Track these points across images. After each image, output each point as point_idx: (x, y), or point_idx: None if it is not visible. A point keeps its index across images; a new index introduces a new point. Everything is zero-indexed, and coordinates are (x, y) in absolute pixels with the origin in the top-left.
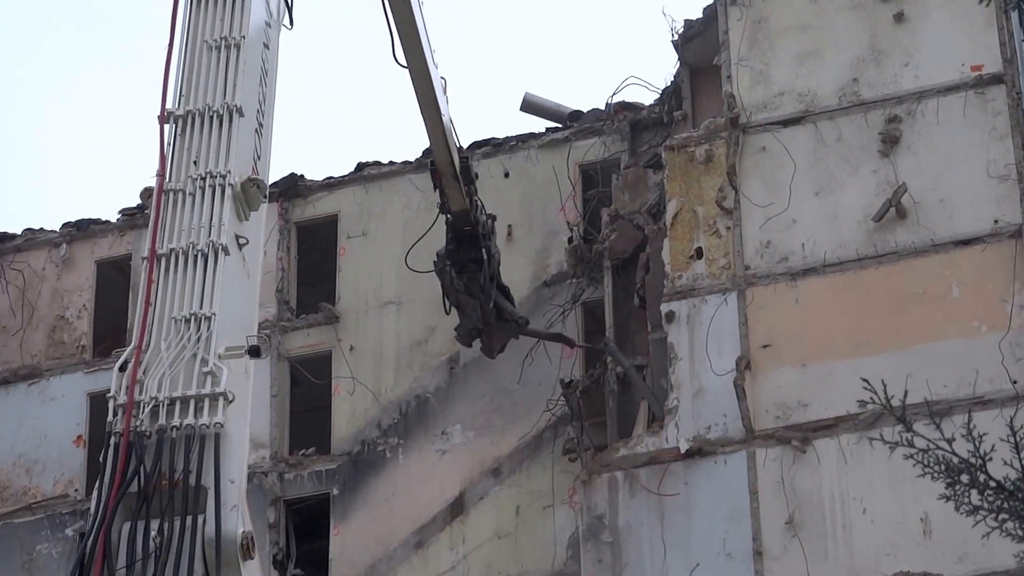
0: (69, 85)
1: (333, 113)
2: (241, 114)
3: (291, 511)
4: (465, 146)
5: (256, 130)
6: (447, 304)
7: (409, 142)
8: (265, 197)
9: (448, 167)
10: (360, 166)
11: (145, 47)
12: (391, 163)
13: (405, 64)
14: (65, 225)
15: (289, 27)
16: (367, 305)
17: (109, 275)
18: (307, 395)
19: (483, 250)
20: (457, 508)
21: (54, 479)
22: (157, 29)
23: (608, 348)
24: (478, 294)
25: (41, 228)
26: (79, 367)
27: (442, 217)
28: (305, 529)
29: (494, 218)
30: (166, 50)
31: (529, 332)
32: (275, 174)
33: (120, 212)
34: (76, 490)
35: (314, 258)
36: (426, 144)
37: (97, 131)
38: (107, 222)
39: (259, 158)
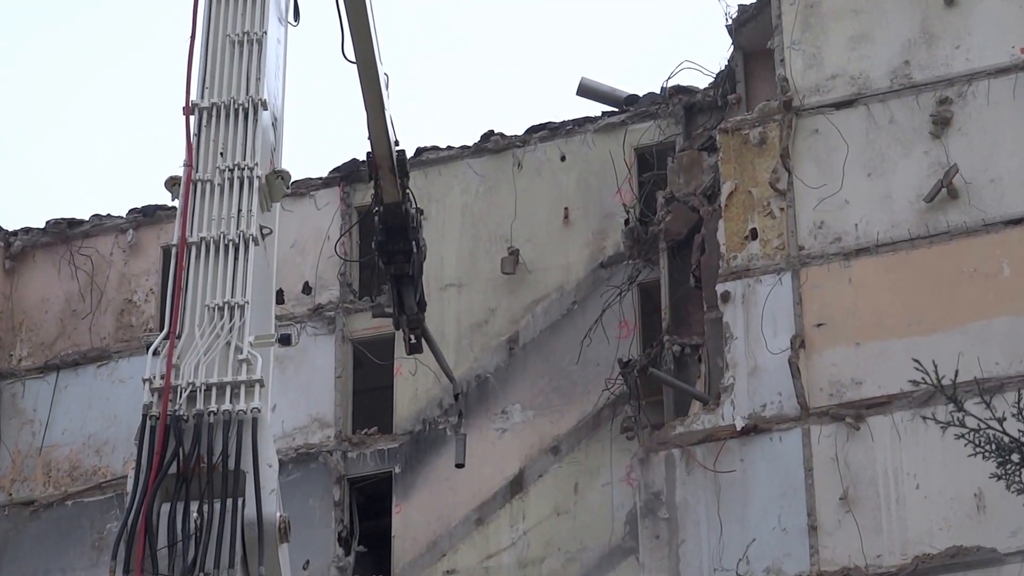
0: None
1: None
2: (265, 108)
3: (355, 489)
4: (522, 131)
5: (272, 124)
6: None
7: (466, 127)
8: (288, 188)
9: (386, 159)
10: (419, 151)
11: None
12: (449, 148)
13: (354, 60)
14: (131, 211)
15: (295, 23)
16: (428, 287)
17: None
18: (370, 376)
19: (412, 242)
20: (517, 486)
21: (123, 459)
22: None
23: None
24: (405, 287)
25: (108, 214)
26: (145, 349)
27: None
28: (368, 507)
29: (422, 212)
30: (188, 43)
31: (430, 342)
32: (336, 159)
33: None
34: None
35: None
36: (485, 128)
37: (162, 117)
38: (172, 208)
39: (274, 151)
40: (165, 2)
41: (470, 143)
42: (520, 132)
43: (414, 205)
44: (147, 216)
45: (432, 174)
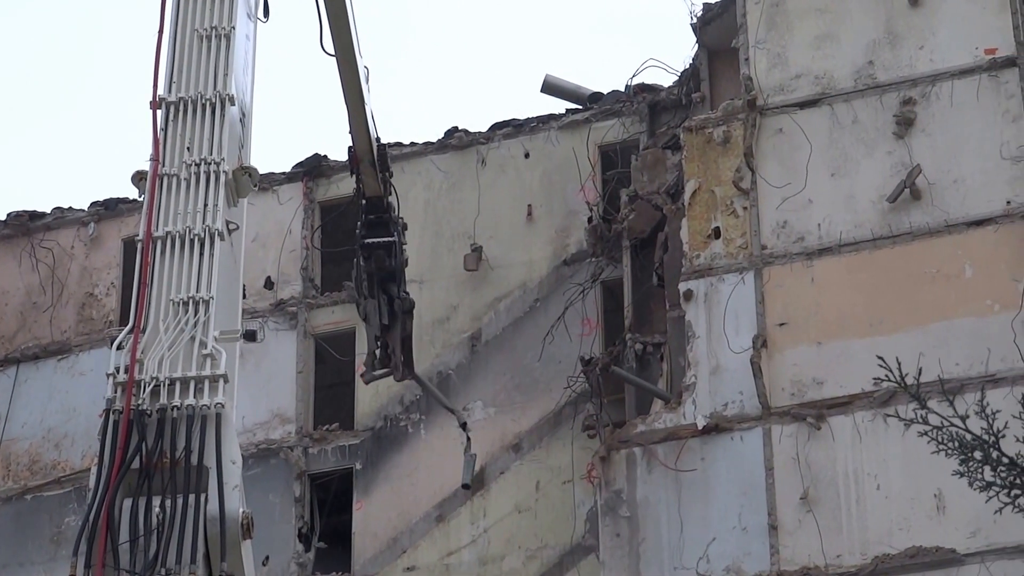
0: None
1: None
2: (232, 103)
3: (315, 485)
4: (486, 128)
5: (240, 119)
6: (359, 305)
7: (429, 123)
8: (255, 185)
9: (367, 153)
10: (382, 147)
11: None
12: (413, 144)
13: (332, 53)
14: (93, 204)
15: (264, 19)
16: None
17: (136, 253)
18: (331, 371)
19: (394, 234)
20: (478, 483)
21: (82, 453)
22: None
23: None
24: (385, 284)
25: (70, 207)
26: (106, 343)
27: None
28: (329, 503)
29: (405, 225)
30: (156, 37)
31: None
32: (299, 154)
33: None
34: None
35: (338, 237)
36: (449, 125)
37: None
38: (134, 201)
39: (242, 147)
40: None
41: (434, 139)
42: (484, 129)
43: (397, 209)
44: (109, 209)
45: (395, 170)
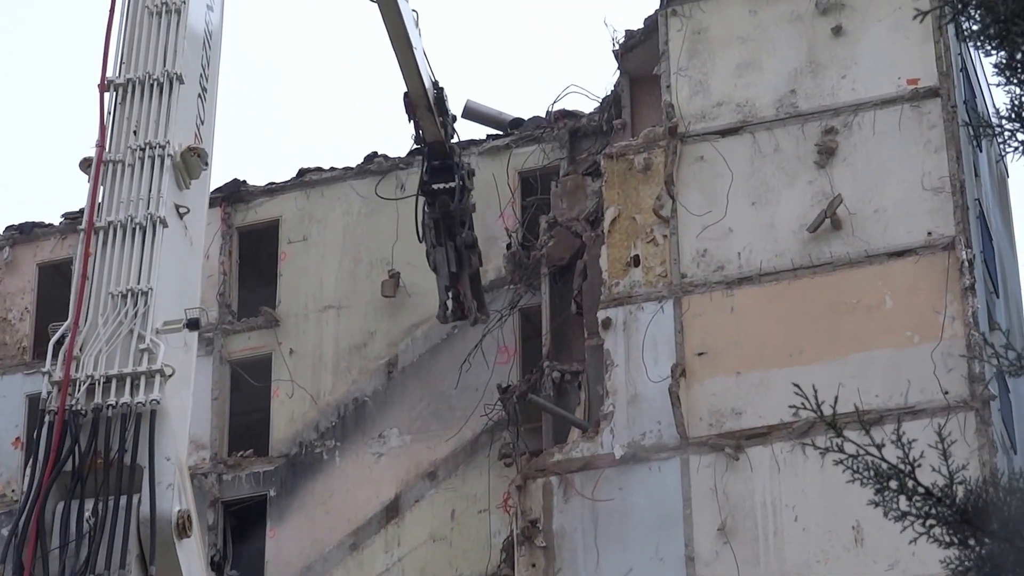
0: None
1: (275, 118)
2: (182, 81)
3: (229, 512)
4: (405, 152)
5: (199, 95)
6: (419, 232)
7: (350, 148)
8: (206, 165)
9: (422, 98)
10: (302, 172)
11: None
12: (332, 169)
13: None
14: (8, 228)
15: None
16: (307, 309)
17: (51, 278)
18: (247, 397)
19: (457, 178)
20: (393, 511)
21: None
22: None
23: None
24: (453, 228)
25: None
26: (19, 369)
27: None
28: (242, 530)
29: (472, 171)
30: (107, 16)
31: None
32: (217, 180)
33: (62, 215)
34: (13, 491)
35: (255, 262)
36: (368, 150)
37: (42, 132)
38: (49, 225)
39: (203, 123)
40: None
41: (353, 164)
42: (403, 154)
43: (460, 153)
44: (24, 233)
45: (314, 195)
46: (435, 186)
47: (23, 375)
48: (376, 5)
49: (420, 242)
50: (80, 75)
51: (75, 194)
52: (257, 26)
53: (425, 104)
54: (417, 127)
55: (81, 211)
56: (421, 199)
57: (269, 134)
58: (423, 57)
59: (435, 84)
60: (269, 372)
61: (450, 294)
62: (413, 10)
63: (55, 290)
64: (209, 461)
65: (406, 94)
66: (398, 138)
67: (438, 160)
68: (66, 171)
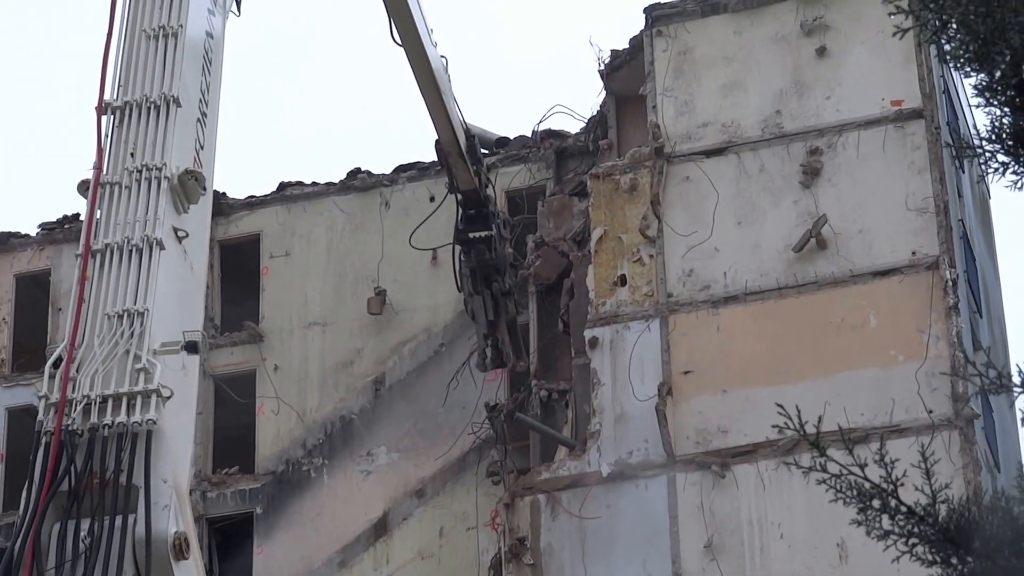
0: None
1: (256, 131)
2: (179, 104)
3: (214, 530)
4: (390, 170)
5: (198, 119)
6: (457, 282)
7: (334, 164)
8: (204, 189)
9: (453, 145)
10: (282, 185)
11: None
12: (314, 184)
13: (401, 43)
14: None
15: (237, 14)
16: (291, 325)
17: (28, 289)
18: (231, 414)
19: (493, 227)
20: (381, 529)
21: None
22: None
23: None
24: (490, 275)
25: None
26: None
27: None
28: (228, 548)
29: (507, 221)
30: (104, 39)
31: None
32: None
33: (40, 226)
34: None
35: (237, 277)
36: (351, 166)
37: (18, 143)
38: (27, 236)
39: (202, 148)
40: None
41: (336, 180)
42: (388, 171)
43: (495, 202)
44: (1, 244)
45: (296, 210)
46: (471, 235)
47: (1, 388)
48: (404, 50)
49: (459, 291)
50: (56, 87)
51: (52, 205)
52: (239, 39)
53: (457, 151)
54: (450, 174)
55: (58, 221)
56: (458, 248)
57: (249, 146)
58: (453, 104)
59: (465, 131)
60: (253, 388)
61: (488, 342)
62: (442, 56)
63: (32, 302)
64: (193, 479)
65: (437, 141)
66: (381, 155)
67: (473, 208)
68: (43, 181)
